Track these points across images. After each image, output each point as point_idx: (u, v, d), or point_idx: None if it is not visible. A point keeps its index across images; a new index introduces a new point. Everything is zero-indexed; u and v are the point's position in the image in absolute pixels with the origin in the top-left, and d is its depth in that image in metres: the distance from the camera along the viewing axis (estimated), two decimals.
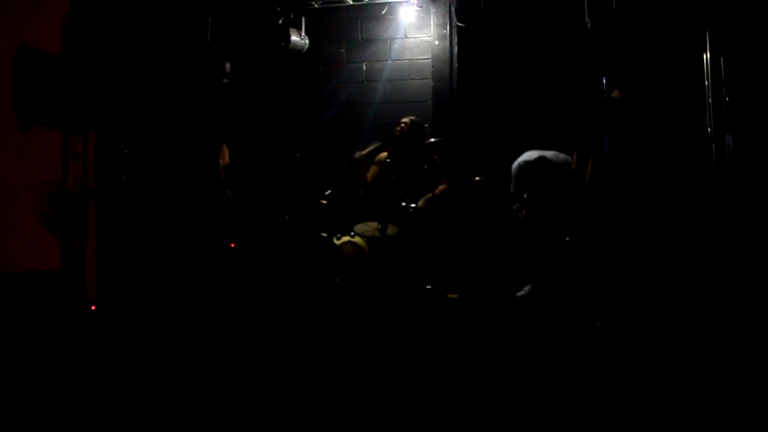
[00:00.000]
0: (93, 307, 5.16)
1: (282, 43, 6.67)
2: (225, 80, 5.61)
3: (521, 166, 5.82)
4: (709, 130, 5.55)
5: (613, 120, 5.08)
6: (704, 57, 5.61)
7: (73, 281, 5.40)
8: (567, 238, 5.54)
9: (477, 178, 5.78)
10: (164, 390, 3.63)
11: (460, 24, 6.82)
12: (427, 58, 6.94)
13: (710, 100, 5.55)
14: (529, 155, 5.83)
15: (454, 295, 5.85)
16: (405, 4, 6.81)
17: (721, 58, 5.46)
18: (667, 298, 4.82)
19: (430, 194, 5.80)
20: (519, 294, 5.74)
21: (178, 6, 6.58)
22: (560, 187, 5.63)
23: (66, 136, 5.63)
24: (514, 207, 5.77)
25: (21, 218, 5.32)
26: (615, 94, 5.15)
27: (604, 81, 5.23)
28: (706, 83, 5.59)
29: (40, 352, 4.34)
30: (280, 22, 6.80)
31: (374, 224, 5.57)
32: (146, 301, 5.31)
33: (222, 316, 5.08)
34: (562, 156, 5.77)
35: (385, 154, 6.09)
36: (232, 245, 5.53)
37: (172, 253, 5.42)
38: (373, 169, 6.14)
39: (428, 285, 5.56)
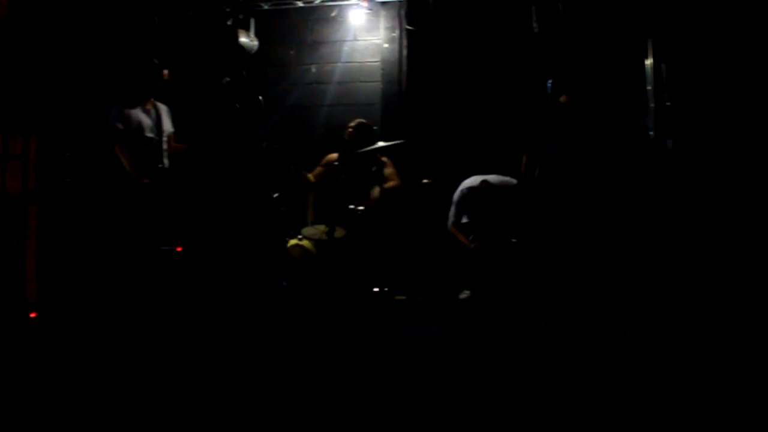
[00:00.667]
0: (33, 315, 5.04)
1: (230, 45, 6.61)
2: (161, 84, 5.50)
3: (464, 192, 5.84)
4: (651, 133, 5.66)
5: (559, 123, 5.16)
6: (647, 63, 5.72)
7: (11, 288, 5.26)
8: (513, 240, 5.60)
9: (425, 181, 5.81)
10: (101, 399, 3.57)
11: (409, 27, 6.85)
12: (376, 61, 6.95)
13: (652, 105, 5.67)
14: (473, 181, 5.85)
15: (403, 297, 5.86)
16: (355, 6, 6.81)
17: (663, 65, 5.58)
18: (610, 298, 4.90)
19: (380, 188, 5.80)
20: (461, 296, 5.77)
21: (123, 5, 6.47)
22: (504, 210, 5.68)
23: (5, 138, 5.48)
24: (469, 239, 5.75)
25: None
26: (563, 98, 5.23)
27: (549, 84, 5.31)
28: (649, 88, 5.70)
29: None
30: (229, 23, 6.73)
31: (322, 227, 5.56)
32: (88, 307, 5.20)
33: (167, 321, 5.00)
34: (506, 179, 5.82)
35: (334, 155, 6.08)
36: (179, 249, 5.45)
37: (115, 257, 5.31)
38: (317, 170, 6.13)
39: (376, 287, 5.56)
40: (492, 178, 5.80)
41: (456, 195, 5.89)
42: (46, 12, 5.75)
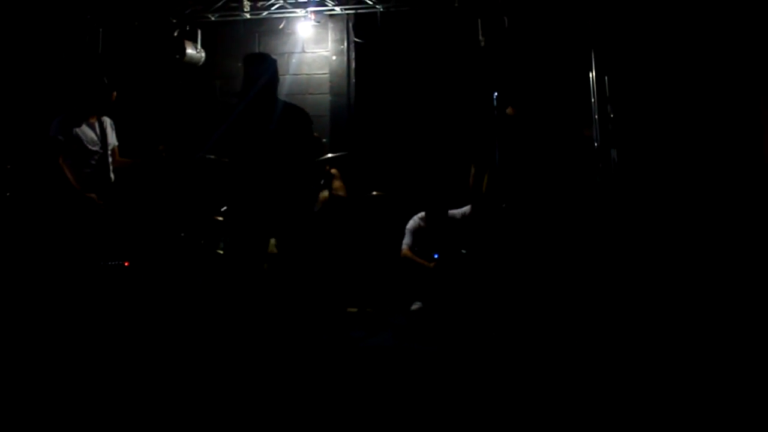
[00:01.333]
0: None
1: (177, 56, 6.54)
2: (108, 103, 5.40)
3: (417, 222, 5.92)
4: (595, 144, 5.79)
5: (506, 135, 5.22)
6: (590, 75, 5.86)
7: None
8: (463, 251, 5.65)
9: (374, 193, 5.82)
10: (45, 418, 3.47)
11: (357, 39, 6.88)
12: (325, 73, 6.96)
13: (596, 116, 5.80)
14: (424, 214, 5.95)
15: (354, 309, 5.85)
16: (303, 19, 6.81)
17: (606, 77, 5.73)
18: (559, 307, 4.97)
19: (328, 191, 5.78)
20: (412, 308, 5.79)
21: (67, 15, 6.35)
22: (460, 238, 5.77)
23: None
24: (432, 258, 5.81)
25: None
26: (509, 110, 5.30)
27: (495, 96, 5.38)
28: (593, 100, 5.84)
29: None
30: (176, 34, 6.66)
31: (272, 240, 5.51)
32: (31, 324, 5.05)
33: (114, 340, 4.89)
34: (462, 209, 5.90)
35: None
36: (126, 264, 5.34)
37: (59, 271, 5.18)
38: None
39: (327, 299, 5.54)
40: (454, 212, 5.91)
41: (410, 224, 5.94)
42: None
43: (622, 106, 5.68)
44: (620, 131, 5.65)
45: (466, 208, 5.92)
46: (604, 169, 5.63)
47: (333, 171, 5.98)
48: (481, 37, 6.24)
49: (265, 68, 4.71)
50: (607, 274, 5.12)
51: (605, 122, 5.72)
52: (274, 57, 4.80)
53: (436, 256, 5.74)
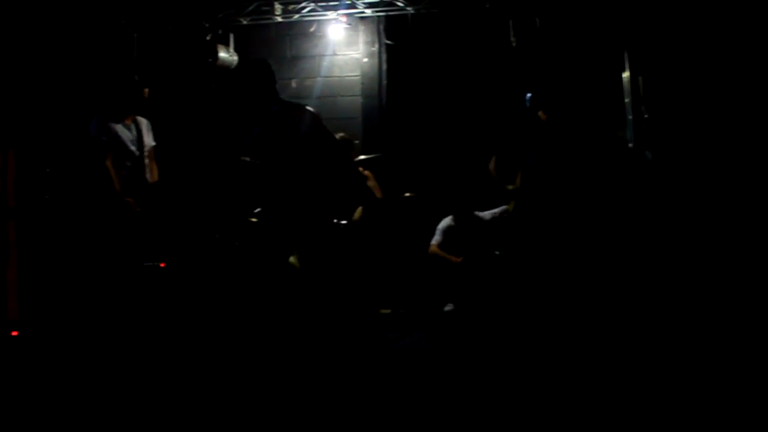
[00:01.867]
0: (14, 333, 4.96)
1: (210, 60, 6.61)
2: (141, 101, 5.45)
3: (449, 222, 6.00)
4: (629, 145, 5.75)
5: (539, 137, 5.22)
6: (624, 76, 5.82)
7: None
8: (496, 252, 5.65)
9: (407, 194, 5.84)
10: (86, 418, 3.53)
11: (388, 42, 6.90)
12: (356, 75, 6.99)
13: (630, 117, 5.76)
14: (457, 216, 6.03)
15: (387, 311, 5.87)
16: (334, 21, 6.83)
17: (640, 77, 5.68)
18: (595, 308, 4.95)
19: (362, 208, 5.82)
20: (445, 309, 5.81)
21: (103, 20, 6.44)
22: (489, 238, 5.80)
23: None
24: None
25: None
26: (541, 115, 5.29)
27: (528, 97, 5.37)
28: (626, 100, 5.80)
29: None
30: (208, 38, 6.72)
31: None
32: (72, 325, 5.13)
33: (150, 338, 4.95)
34: (492, 211, 5.93)
35: None
36: (162, 265, 5.41)
37: (97, 273, 5.26)
38: None
39: (361, 301, 5.56)
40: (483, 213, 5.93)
41: (442, 223, 5.98)
42: (24, 27, 5.71)
43: (656, 107, 5.63)
44: (655, 132, 5.61)
45: (495, 210, 5.93)
46: (639, 171, 5.59)
47: (366, 173, 6.01)
48: (512, 38, 6.22)
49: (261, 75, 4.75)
50: (643, 277, 5.08)
51: (639, 123, 5.68)
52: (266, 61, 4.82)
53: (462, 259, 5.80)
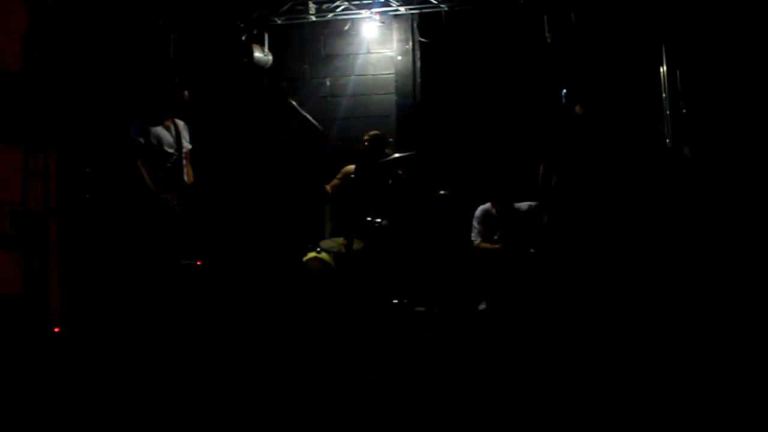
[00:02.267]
0: (56, 330, 5.07)
1: (245, 59, 6.66)
2: (181, 104, 5.51)
3: (483, 210, 6.01)
4: (667, 141, 5.66)
5: (575, 133, 5.17)
6: (661, 70, 5.73)
7: (35, 303, 5.30)
8: (532, 250, 5.61)
9: (442, 192, 5.82)
10: (128, 413, 3.59)
11: (422, 39, 6.89)
12: (390, 73, 6.99)
13: (668, 113, 5.67)
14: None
15: (422, 309, 5.87)
16: (368, 19, 6.84)
17: (677, 71, 5.59)
18: (632, 307, 4.89)
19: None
20: (479, 308, 5.78)
21: (140, 22, 6.54)
22: (524, 229, 5.79)
23: (26, 154, 5.55)
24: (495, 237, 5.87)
25: None
26: (577, 110, 5.24)
27: (564, 93, 5.31)
28: (664, 95, 5.71)
29: (1, 375, 4.25)
30: (244, 38, 6.78)
31: (340, 239, 5.57)
32: (111, 322, 5.22)
33: (187, 336, 5.02)
34: (528, 203, 5.92)
35: (351, 167, 6.09)
36: (198, 263, 5.48)
37: (136, 272, 5.34)
38: (334, 182, 6.13)
39: (395, 299, 5.57)
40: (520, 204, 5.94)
41: (477, 213, 5.99)
42: (64, 30, 5.82)
43: (694, 102, 5.53)
44: (693, 128, 5.52)
45: (531, 203, 5.91)
46: (677, 167, 5.50)
47: (399, 171, 6.00)
48: (547, 34, 6.16)
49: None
50: (682, 274, 5.01)
51: (677, 118, 5.59)
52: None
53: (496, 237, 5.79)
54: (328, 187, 6.08)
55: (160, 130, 5.36)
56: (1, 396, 3.86)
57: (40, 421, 3.48)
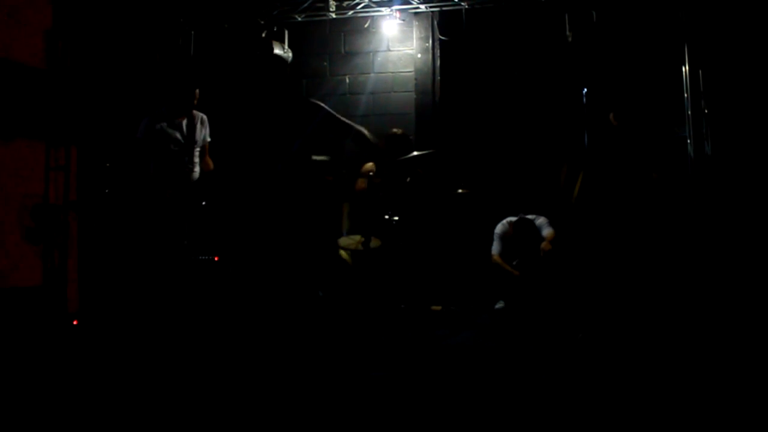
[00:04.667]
0: (75, 322, 5.12)
1: (265, 57, 6.69)
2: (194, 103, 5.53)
3: (505, 226, 5.99)
4: (689, 142, 5.61)
5: (607, 141, 5.15)
6: (683, 69, 5.67)
7: (54, 296, 5.36)
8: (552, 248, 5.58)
9: (460, 191, 5.81)
10: (145, 405, 3.61)
11: (442, 37, 6.87)
12: (409, 71, 6.98)
13: (689, 113, 5.61)
14: (511, 218, 6.02)
15: (438, 308, 5.86)
16: (388, 17, 6.85)
17: (700, 71, 5.53)
18: (650, 311, 4.85)
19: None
20: (496, 307, 5.76)
21: (161, 19, 6.59)
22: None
23: (48, 149, 5.61)
24: (513, 264, 5.85)
25: (2, 232, 5.28)
26: (611, 119, 5.21)
27: (584, 93, 5.29)
28: (686, 95, 5.65)
29: (20, 369, 4.30)
30: (264, 35, 6.81)
31: (357, 237, 5.57)
32: (130, 316, 5.27)
33: (205, 330, 5.05)
34: (541, 218, 5.89)
35: (371, 165, 6.08)
36: (216, 258, 5.51)
37: (154, 266, 5.38)
38: (360, 182, 6.12)
39: (411, 297, 5.57)
40: (529, 216, 5.91)
41: (499, 228, 5.96)
42: (87, 27, 5.88)
43: (717, 102, 5.47)
44: (715, 129, 5.45)
45: (543, 218, 5.88)
46: (698, 167, 5.45)
47: (419, 170, 5.99)
48: (568, 32, 6.13)
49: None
50: (705, 277, 4.96)
51: (699, 119, 5.53)
52: None
53: (514, 263, 5.75)
54: (360, 185, 6.04)
55: (167, 128, 5.36)
56: (20, 386, 3.91)
57: (58, 412, 3.51)
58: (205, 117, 5.62)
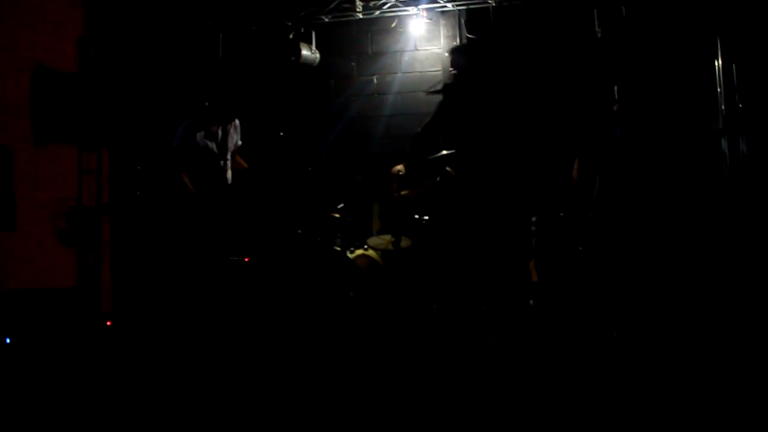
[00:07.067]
0: (108, 323, 5.18)
1: (293, 58, 6.71)
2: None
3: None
4: (722, 138, 5.52)
5: (612, 130, 5.09)
6: (716, 64, 5.59)
7: (88, 297, 5.42)
8: (580, 248, 5.52)
9: (486, 189, 5.77)
10: (178, 405, 3.64)
11: (470, 35, 6.83)
12: (437, 70, 6.96)
13: (723, 108, 5.52)
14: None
15: (468, 307, 5.81)
16: (415, 16, 6.83)
17: (734, 65, 5.44)
18: (682, 308, 4.78)
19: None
20: (528, 305, 5.71)
21: (190, 22, 6.64)
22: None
23: (80, 153, 5.68)
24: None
25: (37, 234, 5.36)
26: (615, 108, 5.15)
27: (616, 90, 5.23)
28: (719, 90, 5.56)
29: (55, 368, 4.36)
30: (291, 36, 6.83)
31: (388, 237, 5.56)
32: (161, 317, 5.31)
33: (237, 331, 5.08)
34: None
35: (400, 166, 6.06)
36: (246, 259, 5.53)
37: (186, 267, 5.42)
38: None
39: (443, 297, 5.54)
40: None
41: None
42: (118, 32, 5.95)
43: (751, 97, 5.38)
44: (749, 124, 5.36)
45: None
46: (733, 164, 5.36)
47: (448, 169, 5.95)
48: (597, 28, 6.07)
49: None
50: (737, 275, 4.88)
51: (733, 114, 5.44)
52: None
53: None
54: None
55: (202, 136, 5.37)
56: (54, 384, 3.96)
57: (89, 410, 3.55)
58: (237, 121, 5.65)
